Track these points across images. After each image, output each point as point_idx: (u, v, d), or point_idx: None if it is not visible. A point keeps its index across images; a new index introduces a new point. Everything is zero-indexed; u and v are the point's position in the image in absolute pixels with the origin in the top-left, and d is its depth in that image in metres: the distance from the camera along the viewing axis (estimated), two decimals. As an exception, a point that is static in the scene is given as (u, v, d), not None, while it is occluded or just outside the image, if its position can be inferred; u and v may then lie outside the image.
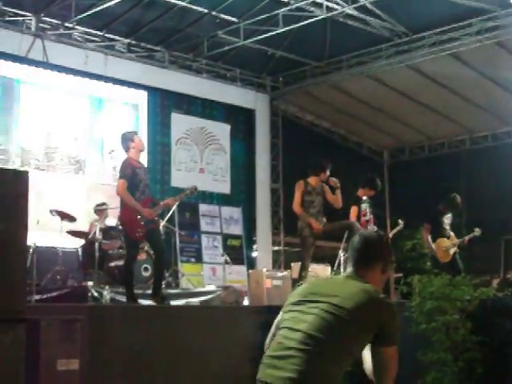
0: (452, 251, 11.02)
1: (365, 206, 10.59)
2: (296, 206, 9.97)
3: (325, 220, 10.19)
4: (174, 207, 10.92)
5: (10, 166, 11.70)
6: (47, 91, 13.16)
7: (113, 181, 12.23)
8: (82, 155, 13.47)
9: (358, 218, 10.53)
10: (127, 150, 8.94)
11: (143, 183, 8.86)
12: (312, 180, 10.11)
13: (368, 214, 10.63)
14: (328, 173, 10.10)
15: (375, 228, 10.60)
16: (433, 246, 11.16)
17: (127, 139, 9.01)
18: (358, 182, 10.78)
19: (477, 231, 11.27)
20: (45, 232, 10.87)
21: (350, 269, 3.73)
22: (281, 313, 3.71)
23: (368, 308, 3.48)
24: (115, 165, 12.65)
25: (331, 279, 3.77)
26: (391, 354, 3.54)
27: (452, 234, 11.21)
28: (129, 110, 14.31)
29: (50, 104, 13.14)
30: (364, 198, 10.67)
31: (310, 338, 3.43)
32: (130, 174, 8.70)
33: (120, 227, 9.72)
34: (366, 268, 3.70)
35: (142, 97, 14.44)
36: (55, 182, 12.90)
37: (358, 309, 3.45)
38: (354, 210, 10.44)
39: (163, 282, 10.96)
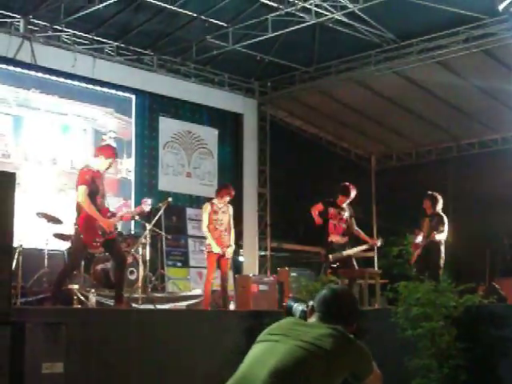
0: (416, 253, 11.05)
1: (337, 211, 10.78)
2: (204, 226, 10.57)
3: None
4: (161, 211, 10.92)
5: None
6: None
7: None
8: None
9: (323, 217, 10.75)
10: (96, 157, 8.80)
11: (101, 193, 8.70)
12: (217, 200, 10.64)
13: (337, 219, 10.78)
14: (231, 193, 10.72)
15: (345, 239, 10.81)
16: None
17: (107, 154, 8.85)
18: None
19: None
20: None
21: (315, 319, 3.64)
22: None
23: (343, 348, 3.43)
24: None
25: (294, 321, 3.69)
26: (374, 380, 3.54)
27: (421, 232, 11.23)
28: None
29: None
30: (343, 205, 10.88)
31: (278, 373, 3.34)
32: (89, 180, 8.54)
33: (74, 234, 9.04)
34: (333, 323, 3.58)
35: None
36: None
37: (333, 348, 3.39)
38: (316, 207, 10.80)
39: (149, 286, 10.98)
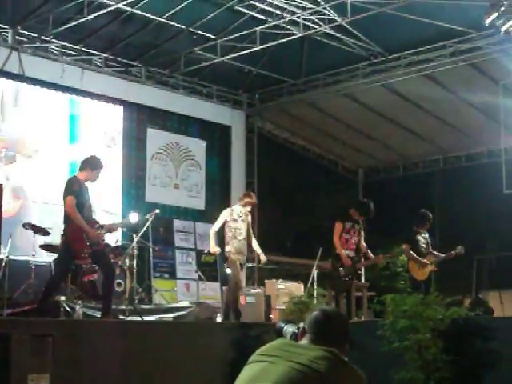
0: (428, 269, 10.99)
1: (351, 225, 10.66)
2: (214, 227, 10.69)
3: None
4: (149, 223, 10.90)
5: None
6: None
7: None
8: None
9: (341, 234, 10.65)
10: (83, 170, 8.75)
11: (87, 204, 8.66)
12: (239, 207, 10.63)
13: (351, 233, 10.67)
14: (253, 200, 10.81)
15: (352, 253, 10.70)
16: (409, 265, 11.15)
17: (93, 164, 8.87)
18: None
19: (459, 249, 11.11)
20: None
21: (306, 341, 3.55)
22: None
23: (337, 371, 3.34)
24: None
25: (287, 342, 3.62)
26: None
27: (430, 252, 11.18)
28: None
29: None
30: (357, 219, 10.80)
31: None
32: (77, 191, 8.48)
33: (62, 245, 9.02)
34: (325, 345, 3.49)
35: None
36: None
37: (328, 371, 3.30)
38: (337, 226, 10.56)
39: (136, 297, 10.94)
